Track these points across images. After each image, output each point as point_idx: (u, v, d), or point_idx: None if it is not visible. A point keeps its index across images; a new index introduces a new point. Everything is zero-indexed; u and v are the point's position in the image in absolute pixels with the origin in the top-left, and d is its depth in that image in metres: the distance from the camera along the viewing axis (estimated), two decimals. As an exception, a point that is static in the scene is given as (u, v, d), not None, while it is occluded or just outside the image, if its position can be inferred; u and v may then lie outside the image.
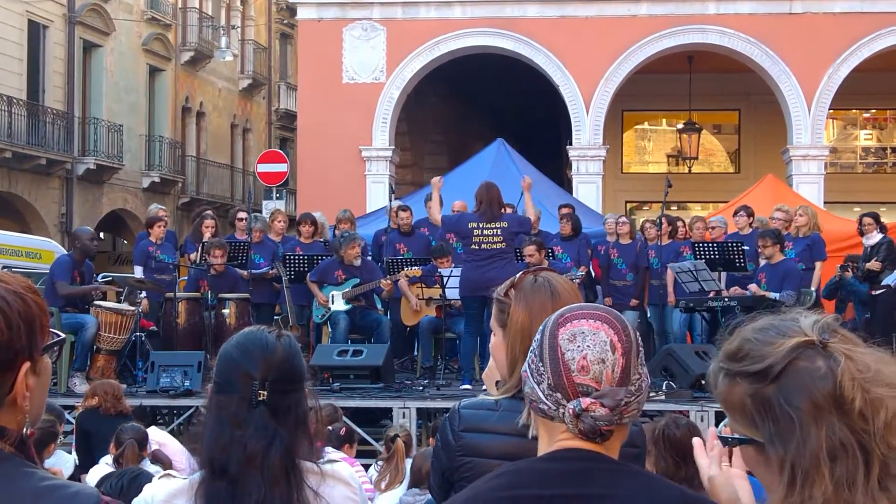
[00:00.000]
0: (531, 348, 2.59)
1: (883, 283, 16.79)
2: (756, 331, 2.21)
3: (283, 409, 3.23)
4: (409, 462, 9.79)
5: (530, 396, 2.54)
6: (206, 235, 17.41)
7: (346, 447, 9.69)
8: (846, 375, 2.09)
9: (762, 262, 15.98)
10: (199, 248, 16.99)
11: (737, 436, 2.21)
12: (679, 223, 18.37)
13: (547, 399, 2.49)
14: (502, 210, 14.58)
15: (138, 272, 16.88)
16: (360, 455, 11.04)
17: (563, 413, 2.46)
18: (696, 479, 6.73)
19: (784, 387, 2.12)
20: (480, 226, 14.26)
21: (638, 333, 2.54)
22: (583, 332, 2.50)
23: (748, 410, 2.16)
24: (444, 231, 16.00)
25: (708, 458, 2.54)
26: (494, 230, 14.21)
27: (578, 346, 2.48)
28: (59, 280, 14.99)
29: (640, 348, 2.52)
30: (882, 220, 18.02)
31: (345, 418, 11.41)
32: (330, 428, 9.51)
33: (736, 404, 2.19)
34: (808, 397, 2.09)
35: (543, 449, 2.54)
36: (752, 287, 15.78)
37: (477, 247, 14.27)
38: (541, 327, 2.60)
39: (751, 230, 17.30)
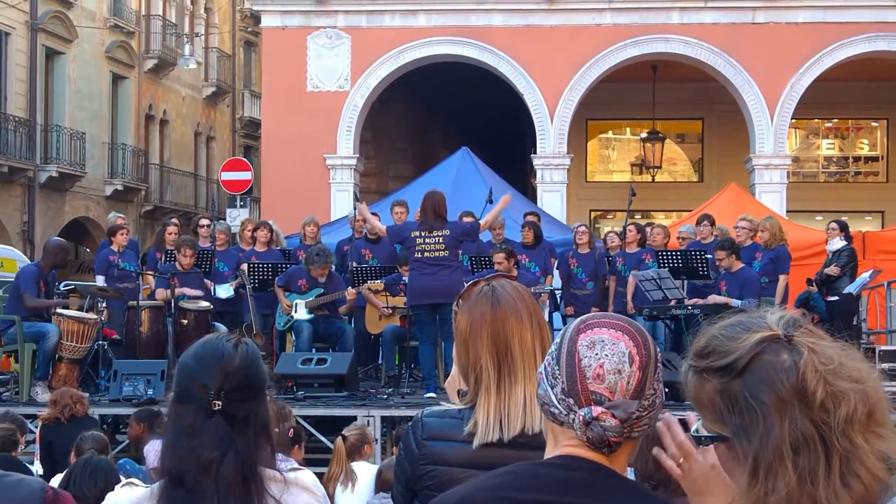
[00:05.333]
0: (549, 351, 2.57)
1: (844, 292, 16.88)
2: (723, 327, 2.21)
3: (241, 418, 3.21)
4: (359, 464, 9.76)
5: (542, 399, 2.52)
6: (170, 242, 17.42)
7: (295, 449, 9.60)
8: (809, 367, 2.09)
9: (722, 271, 16.03)
10: (166, 254, 17.04)
11: (708, 434, 2.21)
12: (648, 228, 18.44)
13: (559, 403, 2.47)
14: (444, 219, 14.61)
15: (100, 281, 16.85)
16: (323, 464, 11.01)
17: (573, 419, 2.44)
18: (672, 481, 6.77)
19: (749, 380, 2.12)
20: (422, 234, 14.37)
21: (658, 349, 2.52)
22: (602, 341, 2.48)
23: (717, 407, 2.16)
24: (389, 241, 16.04)
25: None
26: (436, 238, 14.29)
27: (596, 354, 2.46)
28: (26, 292, 14.92)
29: (659, 364, 2.50)
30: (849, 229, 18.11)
31: (302, 421, 11.37)
32: (277, 430, 9.40)
33: (705, 401, 2.19)
34: (773, 390, 2.09)
35: (549, 453, 2.52)
36: (713, 297, 15.86)
37: (420, 255, 14.36)
38: (561, 331, 2.58)
39: (713, 238, 17.35)
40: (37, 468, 10.88)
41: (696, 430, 2.28)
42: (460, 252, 15.14)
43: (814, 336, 2.16)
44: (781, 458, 2.06)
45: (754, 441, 2.09)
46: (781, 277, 16.59)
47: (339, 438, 9.87)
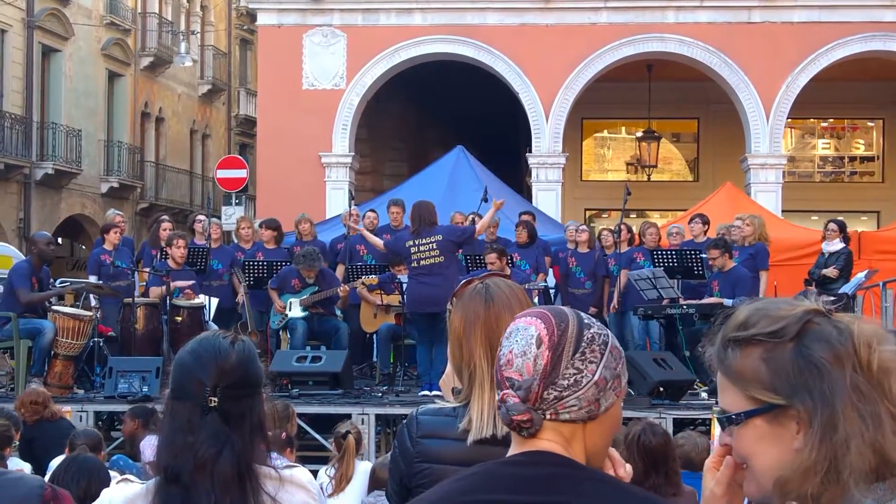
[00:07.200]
0: None
1: (840, 292, 16.88)
2: (762, 304, 2.23)
3: (237, 415, 3.22)
4: (358, 462, 9.77)
5: None
6: (164, 238, 17.41)
7: (287, 451, 9.61)
8: (861, 340, 2.12)
9: (715, 270, 16.04)
10: (161, 251, 17.01)
11: (746, 410, 2.18)
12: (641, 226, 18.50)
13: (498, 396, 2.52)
14: (433, 224, 14.75)
15: (92, 279, 16.85)
16: (318, 461, 11.01)
17: None
18: (663, 487, 6.74)
19: (803, 342, 2.13)
20: (416, 243, 14.57)
21: (586, 330, 2.51)
22: (517, 329, 2.52)
23: (762, 375, 2.15)
24: (388, 254, 16.19)
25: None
26: (430, 245, 14.48)
27: (510, 342, 2.51)
28: (19, 288, 14.89)
29: (586, 345, 2.48)
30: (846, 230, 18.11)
31: (301, 422, 11.37)
32: (277, 430, 9.41)
33: (748, 372, 2.17)
34: (831, 350, 2.11)
35: (513, 449, 2.54)
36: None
37: (416, 263, 14.61)
38: None
39: (705, 238, 17.37)
40: (29, 465, 10.90)
41: (723, 412, 2.25)
42: (457, 255, 15.22)
43: (850, 316, 2.19)
44: (848, 407, 2.08)
45: (816, 395, 2.09)
46: (763, 274, 16.60)
47: (350, 437, 9.88)
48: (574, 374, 2.46)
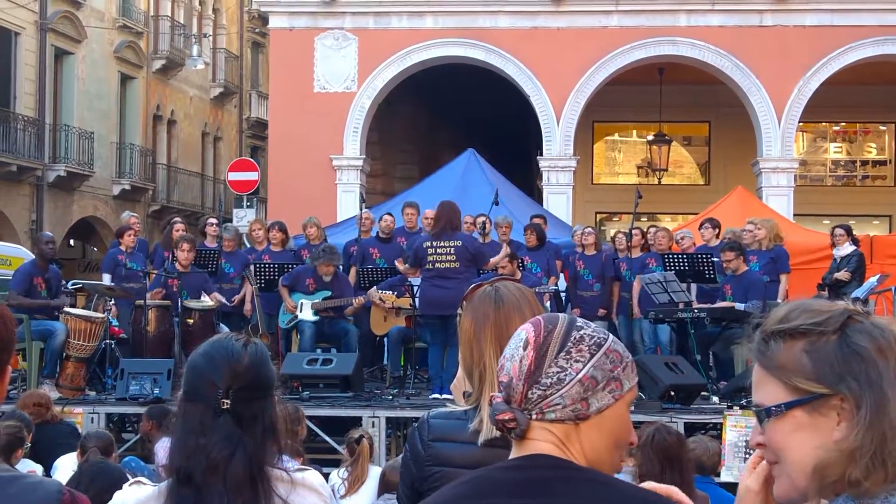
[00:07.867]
0: None
1: (852, 296, 16.85)
2: (802, 301, 2.27)
3: (249, 417, 3.23)
4: (371, 467, 9.80)
5: None
6: (177, 239, 17.43)
7: (300, 461, 9.65)
8: None
9: (728, 272, 16.02)
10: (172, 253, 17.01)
11: (788, 400, 2.19)
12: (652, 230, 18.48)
13: None
14: (456, 229, 14.60)
15: (106, 280, 16.88)
16: (328, 464, 11.02)
17: None
18: (677, 487, 6.75)
19: (847, 333, 2.17)
20: (434, 244, 14.39)
21: (575, 331, 2.50)
22: (515, 335, 2.55)
23: (805, 366, 2.17)
24: (412, 262, 15.95)
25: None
26: (448, 248, 14.29)
27: (507, 348, 2.54)
28: (12, 289, 14.92)
29: (573, 344, 2.48)
30: (854, 233, 18.10)
31: (308, 422, 11.40)
32: (296, 433, 9.46)
33: (791, 363, 2.19)
34: (874, 342, 2.15)
35: (512, 454, 2.54)
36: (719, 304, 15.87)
37: (431, 265, 14.39)
38: None
39: (718, 242, 17.33)
40: (41, 466, 10.94)
41: (759, 406, 2.24)
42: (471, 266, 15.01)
43: (887, 318, 2.24)
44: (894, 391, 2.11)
45: (862, 379, 2.12)
46: (783, 277, 16.61)
47: (364, 441, 9.92)
48: (557, 372, 2.46)
